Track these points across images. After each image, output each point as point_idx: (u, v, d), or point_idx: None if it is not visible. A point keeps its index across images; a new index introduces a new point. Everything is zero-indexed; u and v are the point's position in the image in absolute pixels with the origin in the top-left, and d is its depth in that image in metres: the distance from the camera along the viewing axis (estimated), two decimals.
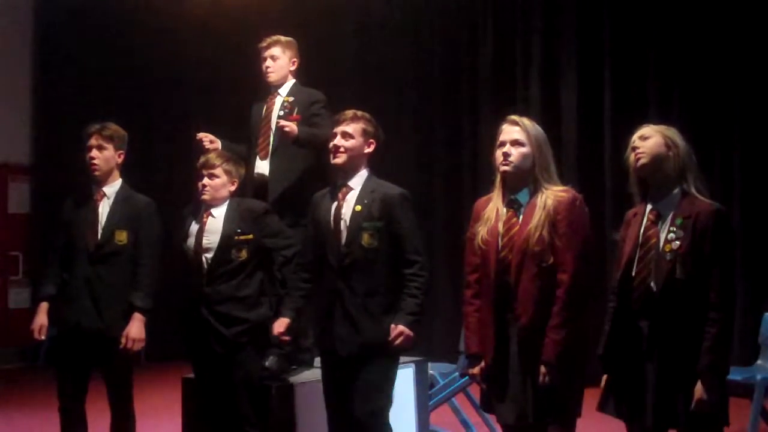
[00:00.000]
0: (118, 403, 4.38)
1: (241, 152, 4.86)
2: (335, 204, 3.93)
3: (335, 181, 4.02)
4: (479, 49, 8.40)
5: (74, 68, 9.72)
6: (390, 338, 3.78)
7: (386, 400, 3.88)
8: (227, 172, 4.32)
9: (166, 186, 9.13)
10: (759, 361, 5.54)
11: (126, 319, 4.28)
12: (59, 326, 4.37)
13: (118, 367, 4.36)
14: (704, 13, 7.33)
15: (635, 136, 3.43)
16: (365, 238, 3.84)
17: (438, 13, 8.64)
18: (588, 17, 7.86)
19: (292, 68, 5.00)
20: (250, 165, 4.78)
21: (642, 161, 3.36)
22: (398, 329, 3.78)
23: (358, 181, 3.94)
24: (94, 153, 4.40)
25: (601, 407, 3.46)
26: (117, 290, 4.33)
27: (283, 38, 5.01)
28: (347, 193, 3.93)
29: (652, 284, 3.28)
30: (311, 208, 4.08)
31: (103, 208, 4.40)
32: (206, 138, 4.83)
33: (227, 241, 4.23)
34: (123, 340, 4.24)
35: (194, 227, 4.30)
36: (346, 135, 3.93)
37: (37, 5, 9.95)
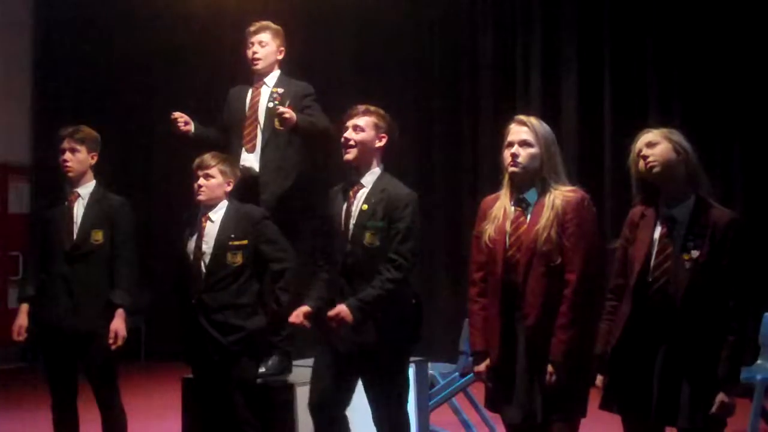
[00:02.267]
0: (104, 399, 4.43)
1: (212, 136, 4.81)
2: (346, 202, 3.89)
3: (349, 177, 3.95)
4: (479, 49, 8.40)
5: (74, 68, 9.72)
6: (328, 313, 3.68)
7: (402, 395, 3.86)
8: (222, 173, 4.32)
9: (165, 186, 9.15)
10: (759, 361, 5.55)
11: (104, 317, 4.33)
12: (40, 325, 4.43)
13: (99, 364, 4.39)
14: (704, 11, 7.34)
15: (641, 144, 3.34)
16: (367, 237, 3.79)
17: (438, 13, 8.64)
18: (588, 16, 7.86)
19: (279, 57, 4.87)
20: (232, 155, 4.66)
21: (656, 171, 3.28)
22: (337, 308, 3.69)
23: (369, 179, 3.90)
24: (67, 155, 4.50)
25: (603, 406, 3.43)
26: (94, 288, 4.39)
27: (272, 25, 4.90)
28: (358, 190, 3.88)
29: (672, 293, 3.25)
30: (326, 204, 4.01)
31: (78, 209, 4.48)
32: (181, 119, 4.79)
33: (222, 245, 4.24)
34: (111, 337, 4.29)
35: (194, 232, 4.32)
36: (357, 128, 3.88)
37: (37, 5, 9.95)
